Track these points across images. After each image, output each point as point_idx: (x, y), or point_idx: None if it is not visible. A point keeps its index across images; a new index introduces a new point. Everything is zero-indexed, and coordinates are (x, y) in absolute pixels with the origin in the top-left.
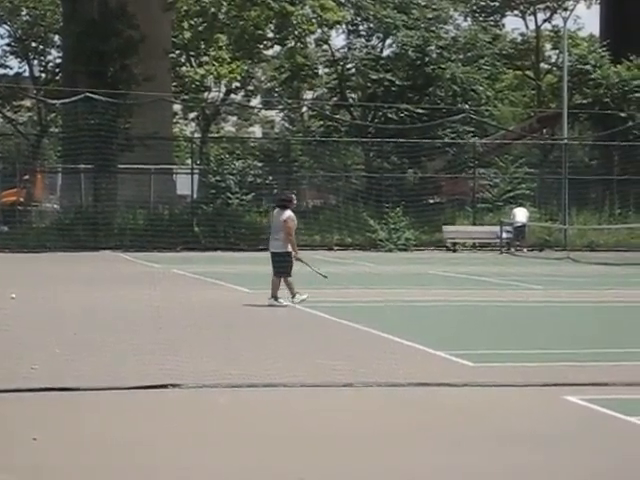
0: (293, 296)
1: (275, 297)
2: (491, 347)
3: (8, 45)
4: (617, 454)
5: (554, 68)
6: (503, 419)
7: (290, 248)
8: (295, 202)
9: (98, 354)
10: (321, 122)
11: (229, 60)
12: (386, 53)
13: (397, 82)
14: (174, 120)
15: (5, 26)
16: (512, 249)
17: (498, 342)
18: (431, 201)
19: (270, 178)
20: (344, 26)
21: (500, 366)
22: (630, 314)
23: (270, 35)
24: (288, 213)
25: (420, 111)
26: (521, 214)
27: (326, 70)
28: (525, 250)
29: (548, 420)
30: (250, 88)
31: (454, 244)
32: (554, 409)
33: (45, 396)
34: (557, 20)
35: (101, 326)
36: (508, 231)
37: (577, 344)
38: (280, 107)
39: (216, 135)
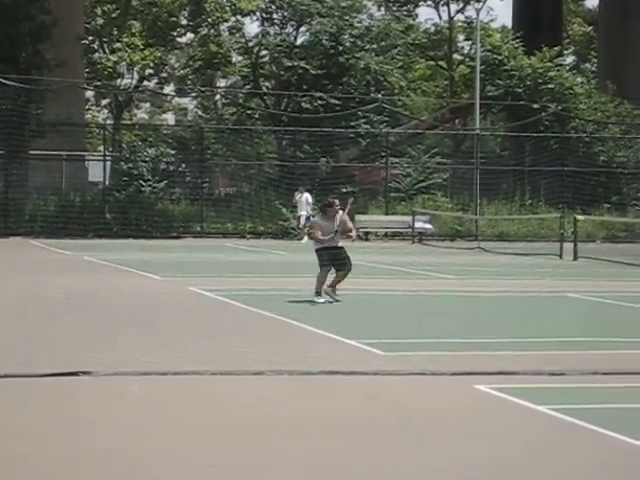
0: (318, 293)
1: (332, 289)
2: (402, 336)
3: None
4: (526, 442)
5: (467, 59)
6: (413, 408)
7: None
8: (337, 207)
9: (7, 341)
10: (234, 110)
11: (142, 47)
12: (300, 41)
13: (311, 71)
14: (86, 107)
15: None
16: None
17: (409, 331)
18: (344, 190)
19: (183, 166)
20: (258, 14)
21: (411, 355)
22: (538, 304)
23: (184, 22)
24: (341, 213)
25: (334, 100)
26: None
27: (240, 58)
28: (304, 241)
29: (458, 409)
30: (163, 75)
31: (366, 233)
32: (464, 398)
33: None
34: (470, 11)
35: (10, 313)
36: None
37: (487, 333)
38: (193, 95)
39: (129, 122)
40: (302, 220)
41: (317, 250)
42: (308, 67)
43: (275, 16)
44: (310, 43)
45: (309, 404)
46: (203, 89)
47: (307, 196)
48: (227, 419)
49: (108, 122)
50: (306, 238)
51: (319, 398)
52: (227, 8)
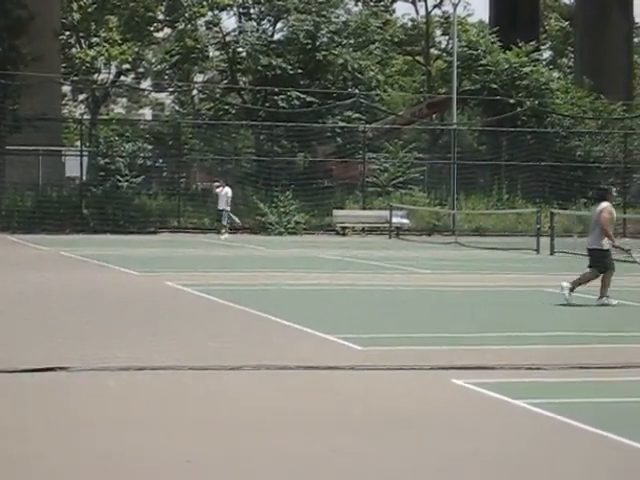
0: (601, 297)
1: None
2: (379, 331)
3: None
4: (503, 437)
5: (444, 54)
6: (391, 402)
7: (606, 245)
8: (614, 194)
9: None
10: (212, 105)
11: (119, 42)
12: (277, 37)
13: (289, 69)
14: (63, 102)
15: None
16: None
17: (386, 326)
18: (321, 185)
19: (160, 161)
20: (235, 9)
21: (388, 349)
22: (515, 299)
23: (161, 17)
24: (604, 204)
25: (311, 99)
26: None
27: (217, 53)
28: (225, 237)
29: (436, 403)
30: (140, 70)
31: (344, 228)
32: (442, 392)
33: None
34: (447, 6)
35: None
36: (400, 216)
37: (464, 327)
38: (170, 89)
39: (106, 117)
40: (224, 215)
41: (608, 250)
42: (285, 65)
43: (252, 11)
44: (287, 39)
45: (287, 399)
46: (180, 84)
47: (227, 190)
48: (204, 414)
49: (85, 117)
50: (226, 234)
51: (297, 393)
52: (204, 2)
